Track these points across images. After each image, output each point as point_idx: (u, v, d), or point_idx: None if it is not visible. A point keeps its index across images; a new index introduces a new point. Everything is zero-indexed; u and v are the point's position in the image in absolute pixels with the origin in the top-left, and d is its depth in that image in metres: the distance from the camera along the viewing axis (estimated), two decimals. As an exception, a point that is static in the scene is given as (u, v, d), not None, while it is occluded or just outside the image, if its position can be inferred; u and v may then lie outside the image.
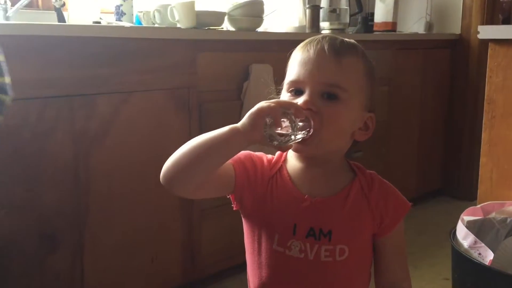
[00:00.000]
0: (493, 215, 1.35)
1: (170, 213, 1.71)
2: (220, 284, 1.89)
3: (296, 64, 0.75)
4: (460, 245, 1.26)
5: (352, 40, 0.78)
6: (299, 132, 0.69)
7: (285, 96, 0.75)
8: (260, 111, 0.68)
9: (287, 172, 0.78)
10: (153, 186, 1.63)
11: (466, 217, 1.32)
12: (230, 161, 0.76)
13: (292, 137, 0.68)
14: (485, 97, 1.58)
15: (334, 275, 0.75)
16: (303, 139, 0.70)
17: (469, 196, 2.90)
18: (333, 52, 0.73)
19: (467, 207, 2.76)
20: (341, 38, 0.77)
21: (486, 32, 1.59)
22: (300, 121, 0.69)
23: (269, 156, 0.81)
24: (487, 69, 1.61)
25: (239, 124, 0.70)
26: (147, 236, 1.64)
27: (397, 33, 2.77)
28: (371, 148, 2.39)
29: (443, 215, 2.67)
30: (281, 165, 0.79)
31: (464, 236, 1.23)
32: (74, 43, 1.43)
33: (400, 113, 2.59)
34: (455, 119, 2.90)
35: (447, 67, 2.84)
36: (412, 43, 2.61)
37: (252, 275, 0.80)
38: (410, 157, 2.73)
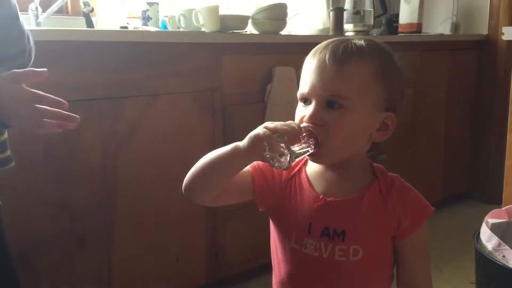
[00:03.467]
0: (518, 217, 1.33)
1: (195, 214, 1.73)
2: (244, 285, 1.91)
3: (303, 74, 0.77)
4: (484, 247, 1.24)
5: (362, 42, 0.76)
6: (298, 152, 0.70)
7: (299, 105, 0.77)
8: (257, 138, 0.70)
9: (306, 174, 0.81)
10: (178, 187, 1.65)
11: (490, 219, 1.30)
12: (248, 167, 0.80)
13: (288, 158, 0.69)
14: (510, 98, 1.55)
15: (348, 274, 0.76)
16: (313, 152, 0.73)
17: (497, 200, 2.84)
18: (333, 60, 0.73)
19: (495, 210, 2.70)
20: (348, 42, 0.76)
21: (511, 33, 1.57)
22: (302, 139, 0.71)
23: None
24: (512, 70, 1.58)
25: (241, 144, 0.73)
26: (173, 236, 1.67)
27: (423, 34, 2.74)
28: (396, 151, 2.37)
29: (469, 218, 2.62)
30: (301, 167, 0.82)
31: (488, 239, 1.22)
32: (102, 48, 1.47)
33: (425, 115, 2.56)
34: (482, 121, 2.85)
35: (474, 68, 2.80)
36: (438, 44, 2.58)
37: (274, 272, 0.84)
38: (436, 159, 2.69)
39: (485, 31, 2.78)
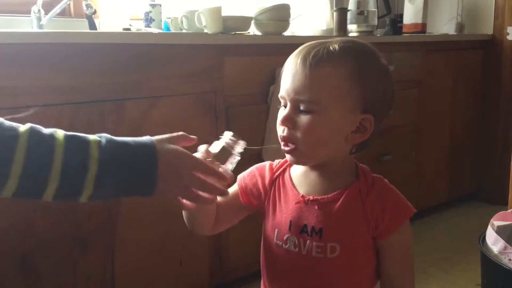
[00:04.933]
0: (525, 220, 1.31)
1: (198, 216, 1.72)
2: (248, 287, 1.90)
3: (281, 80, 0.80)
4: (489, 250, 1.22)
5: (336, 46, 0.76)
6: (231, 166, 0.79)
7: (280, 109, 0.80)
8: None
9: (289, 174, 0.85)
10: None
11: (496, 222, 1.28)
12: (235, 186, 0.88)
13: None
14: None
15: (327, 270, 0.79)
16: (288, 151, 0.78)
17: (503, 201, 2.82)
18: (303, 65, 0.74)
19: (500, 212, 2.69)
20: (322, 46, 0.76)
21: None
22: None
23: (277, 161, 0.90)
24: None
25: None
26: (176, 239, 1.66)
27: (427, 34, 2.72)
28: (400, 152, 2.35)
29: (476, 220, 2.60)
30: (285, 168, 0.87)
31: (494, 241, 1.20)
32: (105, 50, 1.46)
33: (430, 116, 2.54)
34: (488, 121, 2.83)
35: (480, 68, 2.78)
36: (442, 45, 2.56)
37: (261, 268, 0.90)
38: (441, 160, 2.67)
39: (490, 31, 2.76)
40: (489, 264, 1.22)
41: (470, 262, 2.07)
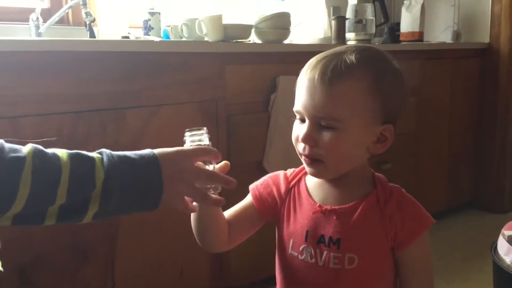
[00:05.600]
0: (534, 229, 1.30)
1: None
2: (249, 297, 1.87)
3: (297, 90, 0.77)
4: (501, 260, 1.21)
5: (353, 57, 0.74)
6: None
7: (296, 122, 0.79)
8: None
9: (305, 184, 0.84)
10: (182, 199, 1.63)
11: (507, 231, 1.27)
12: (249, 197, 0.87)
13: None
14: None
15: (344, 282, 0.77)
16: (312, 165, 0.76)
17: (501, 209, 2.82)
18: (322, 81, 0.72)
19: (498, 220, 2.69)
20: (339, 59, 0.74)
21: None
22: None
23: (290, 170, 0.88)
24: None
25: None
26: (176, 249, 1.64)
27: (425, 42, 2.73)
28: (399, 160, 2.35)
29: (474, 228, 2.60)
30: (300, 177, 0.85)
31: (506, 252, 1.19)
32: (105, 58, 1.45)
33: (429, 124, 2.54)
34: (486, 129, 2.84)
35: (477, 76, 2.79)
36: (440, 53, 2.57)
37: (277, 280, 0.87)
38: (439, 169, 2.67)
39: (486, 40, 2.78)
40: (502, 274, 1.21)
41: (470, 271, 2.06)
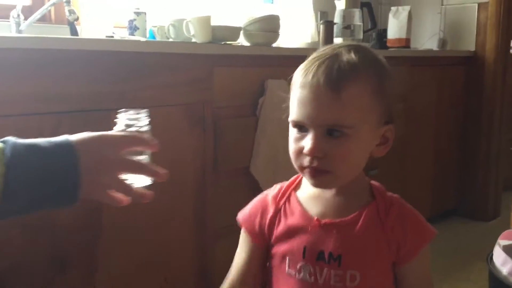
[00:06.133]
0: (530, 238, 1.28)
1: (183, 233, 1.65)
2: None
3: (295, 99, 0.71)
4: (498, 271, 1.19)
5: (353, 56, 0.69)
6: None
7: (293, 132, 0.72)
8: None
9: (297, 198, 0.78)
10: (166, 205, 1.58)
11: (502, 241, 1.25)
12: (243, 235, 0.83)
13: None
14: None
15: None
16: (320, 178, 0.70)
17: (484, 217, 2.84)
18: (330, 87, 0.66)
19: (482, 228, 2.69)
20: (340, 60, 0.69)
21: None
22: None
23: (277, 187, 0.82)
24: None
25: None
26: (161, 255, 1.59)
27: (412, 49, 2.73)
28: (387, 166, 2.33)
29: (459, 236, 2.60)
30: (290, 192, 0.80)
31: (502, 262, 1.17)
32: (88, 57, 1.39)
33: (415, 131, 2.54)
34: (471, 137, 2.85)
35: (462, 84, 2.80)
36: (426, 60, 2.58)
37: None
38: (425, 175, 2.67)
39: (472, 47, 2.79)
40: (499, 285, 1.19)
41: (458, 279, 2.05)
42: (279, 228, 0.77)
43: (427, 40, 2.94)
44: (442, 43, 2.89)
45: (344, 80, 0.67)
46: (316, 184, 0.73)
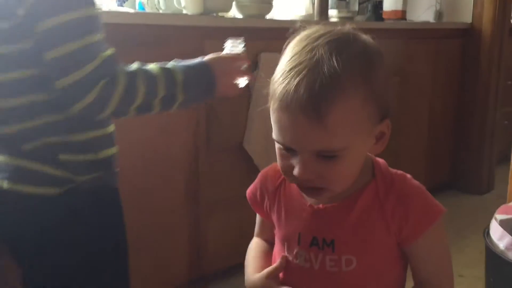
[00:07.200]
0: (526, 213, 1.27)
1: (176, 208, 1.64)
2: (228, 280, 1.83)
3: (275, 121, 0.63)
4: (495, 246, 1.18)
5: (335, 64, 0.59)
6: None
7: (279, 149, 0.65)
8: None
9: None
10: (158, 181, 1.57)
11: (499, 216, 1.24)
12: (257, 212, 0.82)
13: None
14: None
15: (343, 285, 0.70)
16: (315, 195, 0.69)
17: (479, 190, 2.84)
18: (313, 113, 0.59)
19: (476, 201, 2.71)
20: (322, 70, 0.59)
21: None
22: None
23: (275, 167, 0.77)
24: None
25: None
26: (153, 232, 1.58)
27: (408, 21, 2.69)
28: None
29: (453, 209, 2.60)
30: None
31: (499, 237, 1.16)
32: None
33: (410, 104, 2.52)
34: (465, 111, 2.83)
35: (458, 57, 2.77)
36: (423, 32, 2.54)
37: None
38: (419, 149, 2.66)
39: (469, 20, 2.75)
40: (496, 260, 1.18)
41: (452, 252, 2.05)
42: (277, 211, 0.75)
43: (423, 12, 2.89)
44: (439, 15, 2.85)
45: (328, 103, 0.59)
46: (312, 198, 0.70)
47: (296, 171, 0.63)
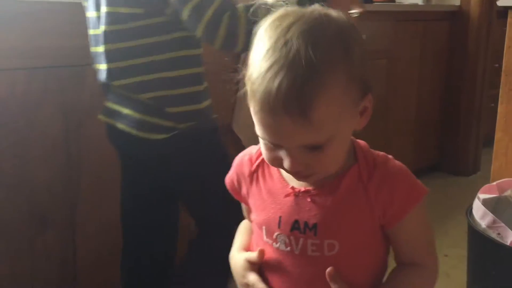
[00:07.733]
0: (508, 192, 1.28)
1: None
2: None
3: (258, 121, 0.62)
4: (477, 224, 1.20)
5: (311, 55, 0.58)
6: None
7: (263, 143, 0.65)
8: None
9: None
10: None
11: (482, 195, 1.26)
12: (237, 199, 0.80)
13: None
14: (503, 69, 1.48)
15: (323, 271, 0.68)
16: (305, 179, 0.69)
17: (465, 172, 2.88)
18: (296, 112, 0.58)
19: (463, 182, 2.74)
20: (300, 65, 0.58)
21: (506, -1, 1.50)
22: None
23: (255, 149, 0.76)
24: (506, 39, 1.50)
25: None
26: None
27: (396, 3, 2.69)
28: (369, 123, 2.33)
29: (440, 191, 2.65)
30: None
31: (482, 215, 1.18)
32: (63, 10, 1.34)
33: (398, 86, 2.53)
34: (453, 93, 2.86)
35: (446, 40, 2.78)
36: (411, 15, 2.54)
37: None
38: (407, 131, 2.68)
39: (457, 2, 2.76)
40: (478, 238, 1.20)
41: (436, 232, 2.09)
42: (255, 194, 0.74)
43: (412, -6, 2.89)
44: (427, -3, 2.85)
45: (311, 99, 0.58)
46: (301, 181, 0.69)
47: (286, 165, 0.63)
